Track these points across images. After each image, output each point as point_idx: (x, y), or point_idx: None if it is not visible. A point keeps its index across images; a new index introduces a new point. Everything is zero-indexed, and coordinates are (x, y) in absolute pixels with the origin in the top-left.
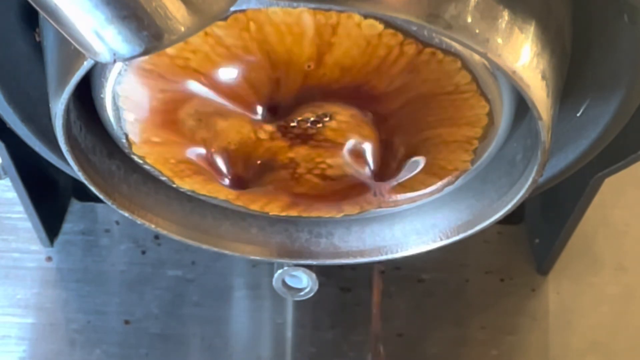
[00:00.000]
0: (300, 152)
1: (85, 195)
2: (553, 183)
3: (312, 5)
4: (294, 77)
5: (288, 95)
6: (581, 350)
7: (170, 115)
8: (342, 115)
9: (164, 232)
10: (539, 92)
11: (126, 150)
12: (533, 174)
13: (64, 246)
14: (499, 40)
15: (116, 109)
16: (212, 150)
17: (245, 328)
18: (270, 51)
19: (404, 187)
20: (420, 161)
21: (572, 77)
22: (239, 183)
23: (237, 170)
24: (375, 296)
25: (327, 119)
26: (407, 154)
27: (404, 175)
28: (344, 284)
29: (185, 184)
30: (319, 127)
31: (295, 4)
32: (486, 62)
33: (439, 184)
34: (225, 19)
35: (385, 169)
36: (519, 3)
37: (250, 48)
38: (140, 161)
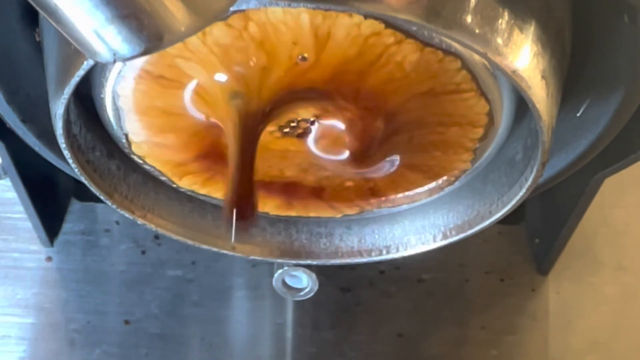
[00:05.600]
0: (297, 151)
1: (85, 195)
2: (553, 183)
3: (312, 5)
4: (293, 77)
5: (288, 94)
6: (581, 350)
7: (170, 114)
8: (341, 116)
9: (164, 232)
10: (539, 92)
11: (126, 150)
12: (533, 174)
13: (64, 246)
14: (499, 40)
15: (116, 109)
16: (212, 149)
17: (245, 328)
18: (269, 51)
19: (402, 186)
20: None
21: (572, 77)
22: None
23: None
24: None
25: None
26: (388, 150)
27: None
28: (344, 284)
29: (185, 184)
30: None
31: (294, 4)
32: (486, 62)
33: (439, 183)
34: (225, 19)
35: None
36: (519, 3)
37: (250, 48)
38: (140, 161)
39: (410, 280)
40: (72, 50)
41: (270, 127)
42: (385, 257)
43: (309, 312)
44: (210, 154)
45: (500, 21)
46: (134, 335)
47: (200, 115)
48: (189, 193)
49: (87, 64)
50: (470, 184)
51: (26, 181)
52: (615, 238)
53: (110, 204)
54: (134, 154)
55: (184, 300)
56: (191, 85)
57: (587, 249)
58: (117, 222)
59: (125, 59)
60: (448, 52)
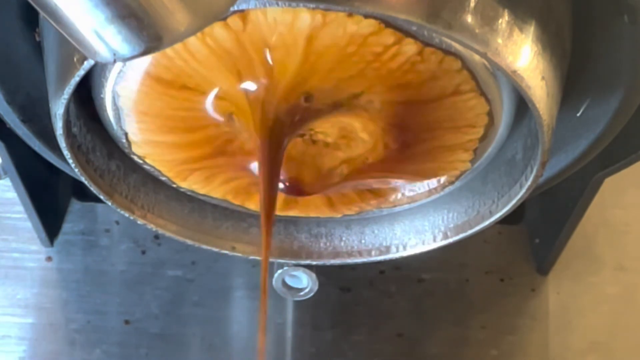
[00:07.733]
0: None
1: (85, 195)
2: (553, 183)
3: (312, 5)
4: (293, 77)
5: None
6: (581, 350)
7: (170, 115)
8: (341, 117)
9: (164, 232)
10: (539, 92)
11: (126, 150)
12: (533, 174)
13: (64, 246)
14: (499, 40)
15: (116, 109)
16: (212, 149)
17: (245, 328)
18: (269, 51)
19: (402, 187)
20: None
21: (572, 77)
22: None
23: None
24: None
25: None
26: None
27: None
28: (344, 284)
29: (185, 184)
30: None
31: (294, 4)
32: (486, 62)
33: (439, 183)
34: (224, 19)
35: None
36: (519, 3)
37: (249, 48)
38: (140, 161)
39: (410, 280)
40: (72, 50)
41: None
42: (385, 257)
43: (309, 312)
44: (210, 153)
45: (500, 21)
46: (134, 335)
47: (219, 117)
48: (189, 193)
49: (87, 64)
50: (470, 184)
51: (26, 181)
52: (615, 238)
53: (110, 204)
54: (134, 154)
55: (184, 300)
56: (190, 85)
57: (587, 249)
58: (117, 222)
59: (125, 59)
60: (448, 52)
